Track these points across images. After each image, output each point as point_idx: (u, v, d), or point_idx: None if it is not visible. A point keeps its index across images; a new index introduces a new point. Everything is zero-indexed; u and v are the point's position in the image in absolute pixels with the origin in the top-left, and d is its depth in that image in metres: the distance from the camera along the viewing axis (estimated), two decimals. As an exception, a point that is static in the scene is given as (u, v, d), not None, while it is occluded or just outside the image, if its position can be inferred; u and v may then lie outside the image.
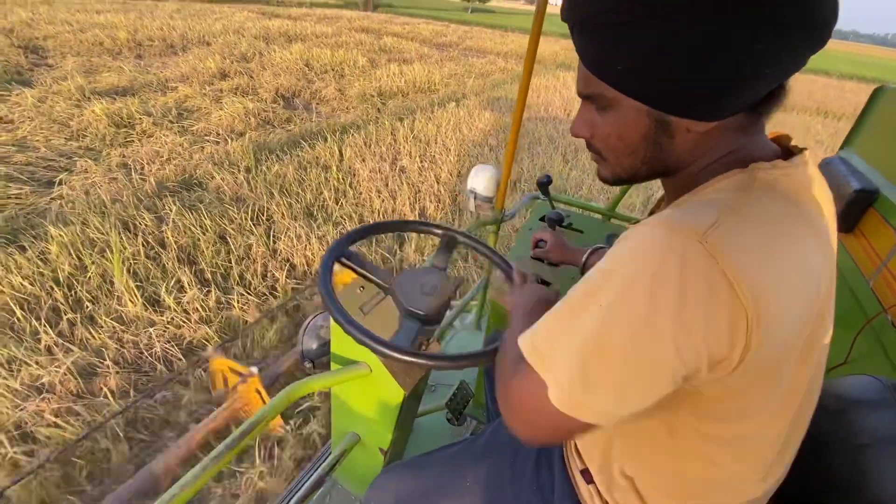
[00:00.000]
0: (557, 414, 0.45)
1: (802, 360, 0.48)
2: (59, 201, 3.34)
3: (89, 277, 2.50)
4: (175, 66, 7.86)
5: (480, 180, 1.57)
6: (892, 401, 0.65)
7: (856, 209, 1.20)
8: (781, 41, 0.40)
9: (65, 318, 2.24)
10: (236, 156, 4.35)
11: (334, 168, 4.26)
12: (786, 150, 0.52)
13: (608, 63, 0.46)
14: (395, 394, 0.84)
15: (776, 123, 9.08)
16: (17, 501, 1.52)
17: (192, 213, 3.17)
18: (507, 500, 0.72)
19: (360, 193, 3.95)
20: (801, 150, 0.51)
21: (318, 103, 7.01)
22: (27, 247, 2.68)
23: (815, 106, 11.62)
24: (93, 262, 2.58)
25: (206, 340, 2.10)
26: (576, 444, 0.67)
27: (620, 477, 0.59)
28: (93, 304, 2.37)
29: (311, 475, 0.93)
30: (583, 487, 0.65)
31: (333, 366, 0.90)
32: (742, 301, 0.39)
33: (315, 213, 3.56)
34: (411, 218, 3.66)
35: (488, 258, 0.97)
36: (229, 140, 4.76)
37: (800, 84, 14.75)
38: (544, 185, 1.45)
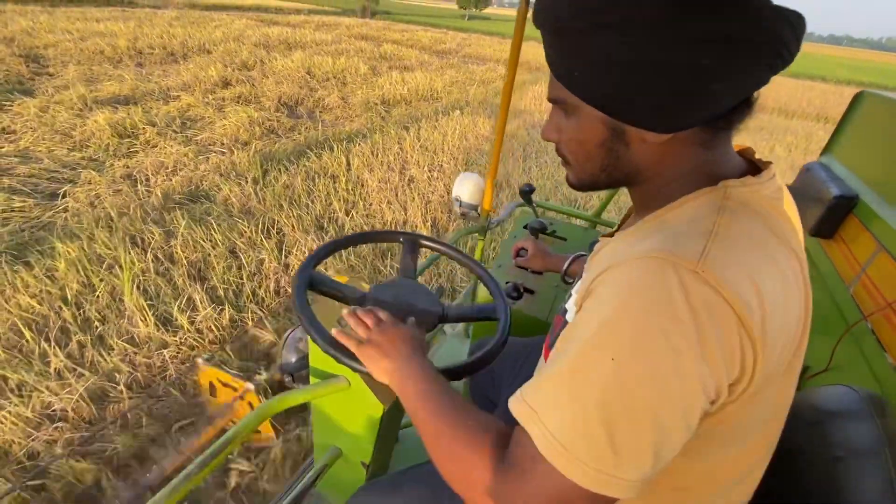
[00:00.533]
0: (581, 494, 0.40)
1: (789, 375, 0.49)
2: (64, 215, 3.27)
3: (98, 296, 2.43)
4: (176, 74, 7.81)
5: (465, 188, 1.54)
6: (868, 412, 0.64)
7: (836, 215, 1.20)
8: (730, 56, 0.40)
9: (74, 339, 2.17)
10: (243, 166, 4.29)
11: (343, 178, 4.20)
12: (751, 164, 0.52)
13: (567, 68, 0.47)
14: (374, 408, 0.83)
15: (783, 130, 9.10)
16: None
17: (200, 227, 3.11)
18: None
19: (371, 204, 3.90)
20: (766, 164, 0.51)
21: (321, 111, 6.97)
22: (33, 263, 2.60)
23: (814, 112, 11.69)
24: (101, 280, 2.51)
25: (223, 363, 2.03)
26: None
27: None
28: (102, 323, 2.30)
29: (295, 489, 0.94)
30: None
31: (312, 379, 0.90)
32: (746, 323, 0.39)
33: (325, 225, 3.50)
34: (422, 230, 3.60)
35: (475, 273, 0.95)
36: (235, 150, 4.70)
37: (799, 90, 14.85)
38: (527, 193, 1.43)
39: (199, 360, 1.86)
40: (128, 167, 4.23)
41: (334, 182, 4.12)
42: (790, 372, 0.49)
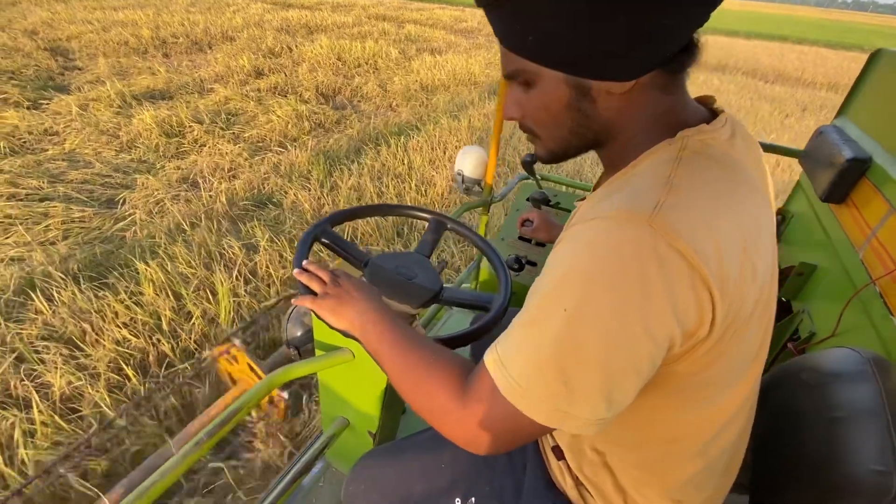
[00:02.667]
0: (536, 428, 0.45)
1: (765, 316, 0.50)
2: (133, 228, 3.06)
3: (194, 323, 2.22)
4: (206, 64, 7.52)
5: (468, 162, 1.51)
6: (870, 373, 0.64)
7: (848, 179, 1.16)
8: None
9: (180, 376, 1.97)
10: (303, 166, 4.04)
11: (412, 178, 3.93)
12: (711, 112, 0.52)
13: (519, 36, 0.46)
14: (379, 378, 0.86)
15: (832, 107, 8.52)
16: None
17: (281, 239, 2.88)
18: (481, 480, 0.73)
19: (447, 206, 3.64)
20: (720, 111, 0.52)
21: (359, 100, 6.66)
22: (117, 286, 2.40)
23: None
24: (194, 304, 2.31)
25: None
26: None
27: (591, 452, 0.60)
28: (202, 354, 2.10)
29: (304, 457, 0.95)
30: (553, 464, 0.66)
31: (318, 352, 0.91)
32: (700, 272, 0.40)
33: (405, 232, 3.26)
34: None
35: (476, 246, 0.95)
36: (291, 148, 4.44)
37: (845, 62, 14.09)
38: (529, 163, 1.37)
39: (236, 341, 1.80)
40: (181, 169, 4.01)
41: (402, 183, 3.86)
42: (766, 312, 0.50)
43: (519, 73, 0.49)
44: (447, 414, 0.51)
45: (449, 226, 0.96)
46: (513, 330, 0.46)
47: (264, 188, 3.72)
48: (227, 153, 4.20)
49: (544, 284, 0.45)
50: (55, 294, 2.32)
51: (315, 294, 0.71)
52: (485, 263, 1.69)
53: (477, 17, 17.79)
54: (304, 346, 1.41)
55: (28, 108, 4.95)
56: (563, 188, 1.63)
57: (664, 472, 0.56)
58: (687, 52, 0.47)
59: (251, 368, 1.76)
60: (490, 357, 0.47)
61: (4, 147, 4.07)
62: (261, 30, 10.43)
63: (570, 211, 1.41)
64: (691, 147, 0.46)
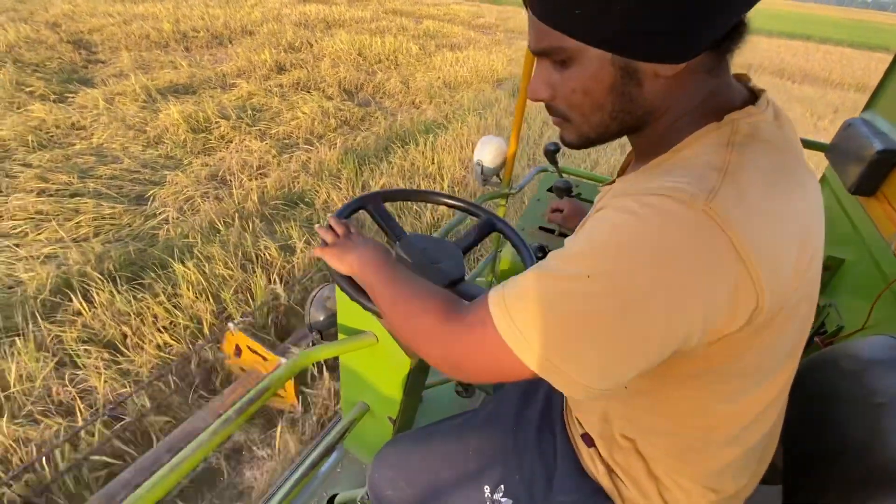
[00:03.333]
0: (520, 366, 0.43)
1: (806, 305, 0.48)
2: (166, 226, 3.00)
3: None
4: (228, 59, 7.47)
5: (487, 152, 1.49)
6: None
7: (878, 171, 1.14)
8: None
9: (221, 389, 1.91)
10: (332, 165, 3.97)
11: (442, 178, 3.85)
12: (750, 92, 0.49)
13: (563, 9, 0.42)
14: (402, 363, 0.85)
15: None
16: None
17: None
18: (510, 467, 0.72)
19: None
20: (761, 91, 0.49)
21: (381, 97, 6.57)
22: (154, 287, 2.35)
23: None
24: (234, 308, 2.24)
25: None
26: (574, 412, 0.67)
27: (621, 439, 0.58)
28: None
29: (323, 443, 0.96)
30: (584, 451, 0.65)
31: (340, 336, 0.91)
32: (750, 269, 0.37)
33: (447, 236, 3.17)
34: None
35: (516, 247, 0.92)
36: (318, 146, 4.37)
37: (868, 61, 13.72)
38: (552, 152, 1.37)
39: (230, 325, 1.86)
40: (209, 165, 3.96)
41: (434, 183, 3.77)
42: (810, 303, 0.48)
43: (555, 51, 0.45)
44: (432, 336, 0.50)
45: (497, 226, 0.94)
46: (525, 278, 0.44)
47: (294, 187, 3.65)
48: (255, 150, 4.14)
49: (576, 244, 0.42)
50: (93, 294, 2.27)
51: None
52: (506, 254, 1.70)
53: (494, 13, 17.60)
54: (327, 331, 1.38)
55: (54, 102, 4.93)
56: (583, 180, 1.62)
57: (698, 461, 0.55)
58: (738, 33, 0.44)
59: (253, 350, 1.78)
60: (495, 295, 0.45)
61: (33, 141, 4.04)
62: (280, 24, 10.36)
63: (591, 201, 1.40)
64: (742, 131, 0.44)
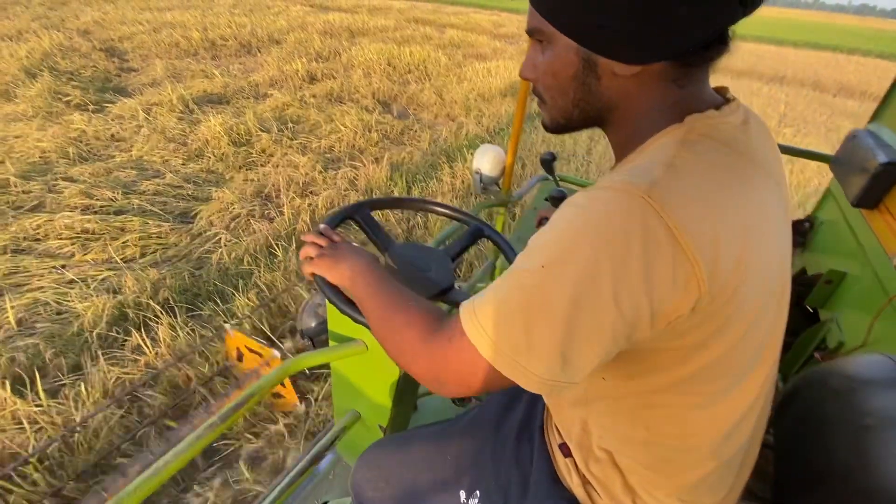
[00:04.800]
0: (495, 375, 0.44)
1: (774, 310, 0.50)
2: (220, 250, 2.85)
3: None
4: (259, 68, 7.40)
5: (486, 161, 1.49)
6: None
7: (881, 184, 1.12)
8: None
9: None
10: (380, 182, 3.81)
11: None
12: (726, 101, 0.50)
13: None
14: (391, 372, 0.86)
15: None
16: None
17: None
18: (486, 473, 0.73)
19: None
20: (733, 98, 0.51)
21: (415, 108, 6.44)
22: (210, 318, 2.19)
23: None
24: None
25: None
26: (554, 420, 0.68)
27: (599, 451, 0.59)
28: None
29: (315, 448, 0.96)
30: (560, 461, 0.65)
31: (332, 343, 0.92)
32: (687, 252, 0.39)
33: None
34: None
35: (505, 255, 0.93)
36: (363, 161, 4.22)
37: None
38: (548, 162, 1.39)
39: (227, 327, 1.87)
40: (252, 181, 3.82)
41: (489, 202, 3.60)
42: (776, 306, 0.50)
43: (537, 32, 0.50)
44: (416, 352, 0.51)
45: (486, 233, 0.95)
46: (494, 282, 0.47)
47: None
48: (300, 165, 3.99)
49: (533, 241, 0.45)
50: (152, 327, 2.11)
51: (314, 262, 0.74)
52: (501, 263, 1.69)
53: (515, 23, 17.52)
54: (318, 337, 1.42)
55: (92, 112, 4.85)
56: (580, 189, 1.58)
57: (675, 473, 0.55)
58: (711, 49, 0.46)
59: (251, 350, 1.77)
60: (465, 304, 0.48)
61: (74, 153, 3.95)
62: (306, 33, 10.33)
63: None
64: (698, 130, 0.46)
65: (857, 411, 0.61)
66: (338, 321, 0.89)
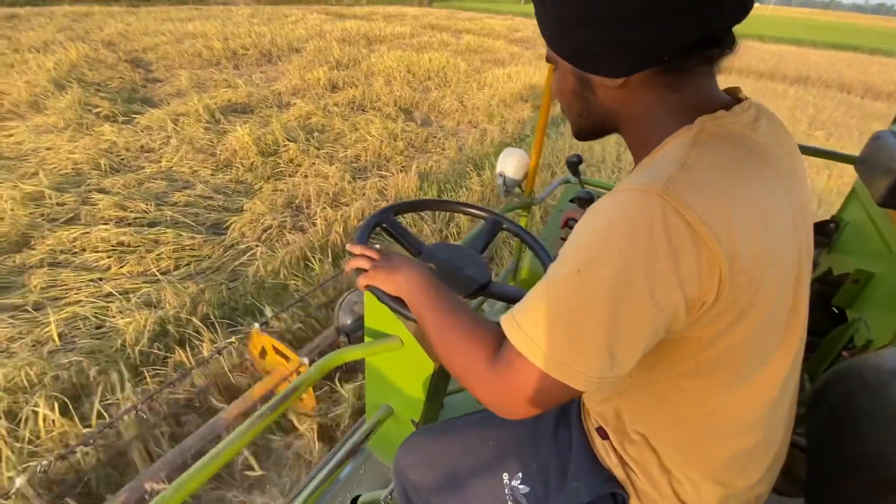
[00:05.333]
0: (549, 383, 0.46)
1: (792, 298, 0.53)
2: (256, 263, 2.82)
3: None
4: (280, 76, 7.45)
5: (510, 164, 1.52)
6: None
7: None
8: (647, 3, 0.43)
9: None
10: (410, 192, 3.77)
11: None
12: (737, 102, 0.53)
13: (542, 28, 0.53)
14: (425, 367, 0.87)
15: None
16: None
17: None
18: (527, 457, 0.75)
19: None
20: (745, 98, 0.54)
21: (436, 115, 6.40)
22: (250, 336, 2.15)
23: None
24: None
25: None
26: (588, 407, 0.70)
27: (634, 434, 0.61)
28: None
29: (347, 444, 0.96)
30: (598, 443, 0.67)
31: (367, 339, 0.93)
32: (707, 241, 0.42)
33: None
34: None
35: (528, 245, 0.96)
36: (390, 170, 4.19)
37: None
38: (574, 164, 1.39)
39: (256, 326, 1.89)
40: (282, 191, 3.80)
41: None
42: (795, 293, 0.53)
43: (552, 59, 0.57)
44: (479, 377, 0.53)
45: (504, 226, 0.96)
46: (530, 293, 0.49)
47: (375, 216, 3.45)
48: (329, 176, 3.97)
49: (564, 250, 0.48)
50: (195, 345, 2.08)
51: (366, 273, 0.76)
52: (525, 262, 1.70)
53: (530, 28, 17.49)
54: (355, 334, 1.46)
55: (121, 123, 4.90)
56: (605, 191, 1.65)
57: (704, 453, 0.58)
58: (693, 55, 0.48)
59: (277, 351, 1.79)
60: (506, 319, 0.50)
61: (106, 165, 3.97)
62: (324, 41, 10.39)
63: None
64: (708, 130, 0.48)
65: (889, 401, 0.63)
66: (374, 317, 0.91)
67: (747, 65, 11.89)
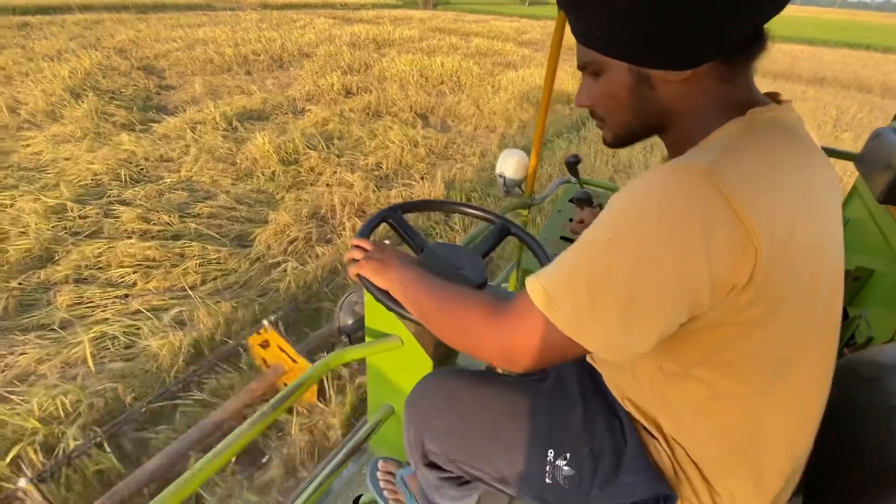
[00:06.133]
0: (561, 341, 0.48)
1: (825, 295, 0.51)
2: (287, 278, 2.73)
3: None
4: (294, 82, 7.39)
5: (509, 165, 1.52)
6: None
7: None
8: None
9: None
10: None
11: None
12: (776, 103, 0.54)
13: (588, 30, 0.52)
14: (425, 365, 0.90)
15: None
16: None
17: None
18: (579, 440, 0.71)
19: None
20: (787, 101, 0.54)
21: (453, 120, 6.32)
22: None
23: None
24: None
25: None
26: (635, 405, 0.68)
27: (675, 443, 0.61)
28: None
29: (349, 444, 0.96)
30: (650, 442, 0.66)
31: (368, 339, 0.95)
32: (745, 224, 0.41)
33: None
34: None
35: (534, 252, 0.95)
36: (414, 177, 4.10)
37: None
38: (573, 164, 1.40)
39: (266, 322, 1.86)
40: (303, 201, 3.72)
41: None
42: (833, 288, 0.52)
43: (588, 65, 0.55)
44: (483, 332, 0.54)
45: (512, 230, 0.97)
46: (559, 257, 0.50)
47: (404, 227, 3.36)
48: (352, 184, 3.88)
49: (600, 217, 0.48)
50: (230, 368, 1.99)
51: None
52: (525, 264, 1.68)
53: (538, 29, 17.40)
54: (355, 334, 1.46)
55: (139, 132, 4.84)
56: (603, 191, 1.67)
57: (746, 461, 0.57)
58: (751, 45, 0.49)
59: (282, 350, 1.79)
60: (531, 278, 0.51)
61: (125, 175, 3.91)
62: (334, 46, 10.34)
63: None
64: (760, 120, 0.49)
65: (886, 394, 0.63)
66: (375, 317, 0.92)
67: (761, 66, 11.69)
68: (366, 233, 0.84)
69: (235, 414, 1.70)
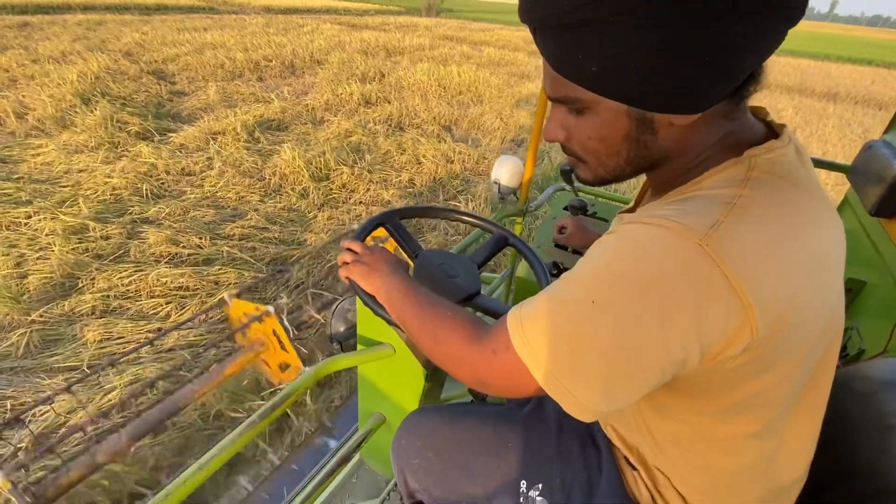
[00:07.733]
0: (538, 385, 0.45)
1: (826, 342, 0.49)
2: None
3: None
4: (310, 90, 7.18)
5: (504, 171, 1.51)
6: None
7: None
8: (756, 21, 0.39)
9: None
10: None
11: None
12: (768, 127, 0.51)
13: (580, 65, 0.43)
14: (417, 375, 0.89)
15: None
16: None
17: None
18: (552, 469, 0.71)
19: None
20: (781, 127, 0.50)
21: (477, 132, 6.13)
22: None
23: None
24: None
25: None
26: (613, 440, 0.67)
27: (659, 473, 0.60)
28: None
29: (339, 453, 0.96)
30: (628, 472, 0.65)
31: (360, 347, 0.94)
32: (743, 301, 0.39)
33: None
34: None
35: (530, 264, 0.94)
36: (457, 197, 3.88)
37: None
38: (567, 172, 1.39)
39: (226, 296, 1.85)
40: (335, 220, 3.49)
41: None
42: (833, 334, 0.50)
43: (571, 101, 0.47)
44: (462, 357, 0.53)
45: (510, 241, 0.95)
46: (539, 300, 0.47)
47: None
48: (389, 202, 3.66)
49: (582, 269, 0.45)
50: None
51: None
52: (521, 271, 1.68)
53: (544, 39, 17.31)
54: (347, 342, 1.43)
55: (157, 142, 4.59)
56: (599, 199, 1.68)
57: (731, 497, 0.55)
58: (753, 77, 0.46)
59: (275, 334, 1.74)
60: (513, 316, 0.48)
61: (147, 190, 3.66)
62: (346, 52, 10.15)
63: (607, 220, 1.46)
64: (760, 167, 0.45)
65: (880, 412, 0.62)
66: (367, 325, 0.91)
67: (773, 79, 11.73)
68: (361, 236, 0.83)
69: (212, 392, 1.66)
